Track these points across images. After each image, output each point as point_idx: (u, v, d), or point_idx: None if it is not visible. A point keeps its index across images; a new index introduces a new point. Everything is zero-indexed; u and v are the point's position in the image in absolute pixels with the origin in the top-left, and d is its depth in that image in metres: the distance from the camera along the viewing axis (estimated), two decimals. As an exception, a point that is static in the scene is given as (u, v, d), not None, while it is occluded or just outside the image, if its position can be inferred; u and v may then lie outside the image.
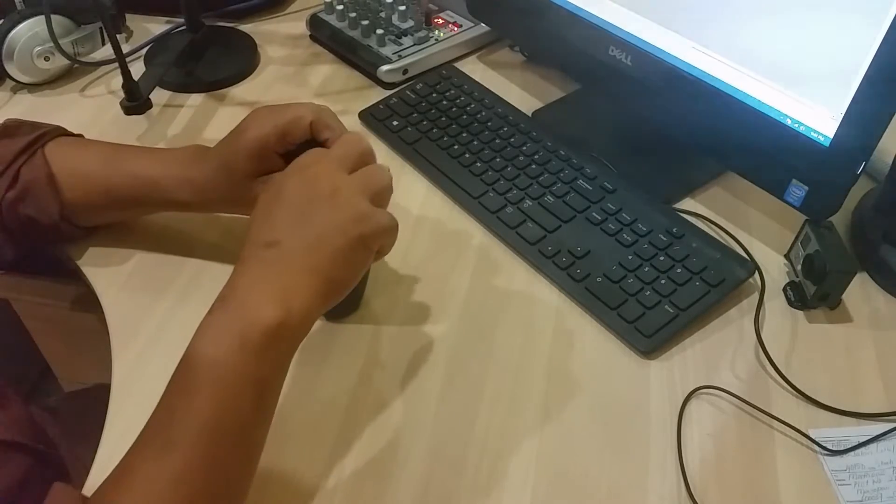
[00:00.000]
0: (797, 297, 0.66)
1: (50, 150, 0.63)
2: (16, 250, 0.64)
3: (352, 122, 0.84)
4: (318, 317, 0.49)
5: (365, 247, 0.49)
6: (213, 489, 0.43)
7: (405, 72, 0.89)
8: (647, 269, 0.66)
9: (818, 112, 0.61)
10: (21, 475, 0.57)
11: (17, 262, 0.65)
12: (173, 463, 0.42)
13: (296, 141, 0.57)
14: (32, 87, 0.88)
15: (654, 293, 0.64)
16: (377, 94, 0.87)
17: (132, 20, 0.99)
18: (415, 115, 0.83)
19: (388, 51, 0.90)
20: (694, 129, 0.71)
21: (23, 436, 0.59)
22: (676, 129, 0.73)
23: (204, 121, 0.84)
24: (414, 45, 0.91)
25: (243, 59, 0.93)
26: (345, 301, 0.50)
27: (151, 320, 0.63)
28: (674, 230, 0.69)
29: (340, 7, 0.94)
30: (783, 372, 0.60)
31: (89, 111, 0.85)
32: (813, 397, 0.59)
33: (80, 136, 0.68)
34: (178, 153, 0.63)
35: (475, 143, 0.79)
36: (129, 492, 0.42)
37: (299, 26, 0.98)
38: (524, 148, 0.78)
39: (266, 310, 0.44)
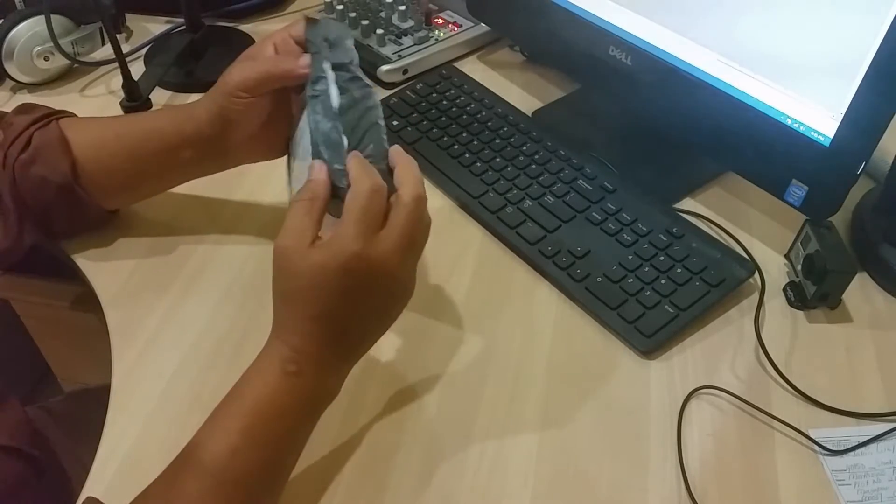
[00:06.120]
0: (797, 297, 0.66)
1: (64, 123, 0.64)
2: (24, 226, 0.63)
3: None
4: None
5: None
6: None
7: (405, 72, 0.89)
8: (647, 268, 0.66)
9: (818, 112, 0.61)
10: (13, 480, 0.57)
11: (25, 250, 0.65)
12: (214, 478, 0.46)
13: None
14: (32, 87, 0.88)
15: (654, 293, 0.64)
16: (377, 94, 0.87)
17: (132, 20, 0.99)
18: (415, 115, 0.83)
19: (388, 51, 0.90)
20: (694, 129, 0.71)
21: (18, 441, 0.59)
22: (676, 129, 0.73)
23: (204, 121, 0.84)
24: (414, 45, 0.91)
25: (243, 59, 0.93)
26: None
27: (151, 320, 0.63)
28: (674, 230, 0.69)
29: (340, 7, 0.94)
30: (783, 372, 0.60)
31: (89, 111, 0.85)
32: (813, 397, 0.59)
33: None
34: (187, 104, 0.64)
35: (475, 143, 0.79)
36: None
37: (299, 26, 0.98)
38: (524, 148, 0.78)
39: (331, 387, 0.51)
